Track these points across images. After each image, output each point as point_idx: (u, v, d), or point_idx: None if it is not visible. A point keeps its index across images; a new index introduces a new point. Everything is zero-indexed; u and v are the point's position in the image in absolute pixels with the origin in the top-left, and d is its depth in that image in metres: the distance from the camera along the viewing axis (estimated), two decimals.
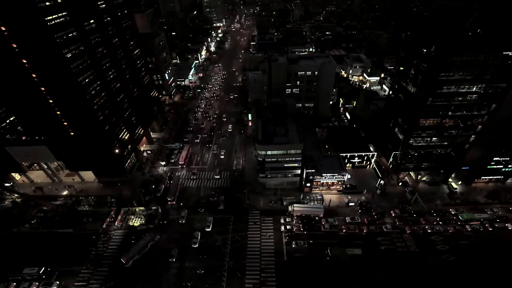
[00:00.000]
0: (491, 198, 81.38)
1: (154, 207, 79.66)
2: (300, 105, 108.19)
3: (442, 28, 65.66)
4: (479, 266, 63.92)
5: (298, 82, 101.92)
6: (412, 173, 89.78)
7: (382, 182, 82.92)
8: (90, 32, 73.86)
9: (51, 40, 60.45)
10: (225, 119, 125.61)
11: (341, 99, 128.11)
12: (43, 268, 63.80)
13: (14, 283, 61.85)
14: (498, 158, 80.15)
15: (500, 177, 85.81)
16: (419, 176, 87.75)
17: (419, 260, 65.39)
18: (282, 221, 75.44)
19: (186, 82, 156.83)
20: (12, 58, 62.36)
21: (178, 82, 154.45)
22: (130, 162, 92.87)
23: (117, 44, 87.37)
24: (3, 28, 58.31)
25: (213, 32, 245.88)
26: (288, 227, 73.73)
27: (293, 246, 68.97)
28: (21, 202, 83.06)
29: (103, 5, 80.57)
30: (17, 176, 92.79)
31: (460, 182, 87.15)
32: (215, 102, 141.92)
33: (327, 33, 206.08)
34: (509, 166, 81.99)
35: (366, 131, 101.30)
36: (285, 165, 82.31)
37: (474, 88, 68.34)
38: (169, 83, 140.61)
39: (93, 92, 73.55)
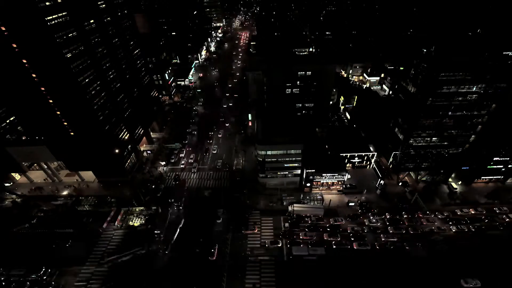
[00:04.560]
0: (491, 198, 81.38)
1: (154, 207, 79.69)
2: (300, 105, 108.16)
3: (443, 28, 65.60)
4: None
5: (298, 82, 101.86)
6: (412, 173, 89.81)
7: (382, 182, 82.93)
8: (90, 32, 73.80)
9: (51, 40, 60.37)
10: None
11: (341, 99, 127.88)
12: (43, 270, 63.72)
13: None
14: (498, 158, 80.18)
15: (500, 177, 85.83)
16: (419, 176, 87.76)
17: None
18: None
19: (186, 82, 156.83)
20: (12, 58, 62.30)
21: (178, 82, 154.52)
22: (130, 162, 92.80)
23: (117, 44, 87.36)
24: (3, 28, 58.24)
25: (213, 32, 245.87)
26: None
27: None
28: (21, 202, 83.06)
29: (103, 5, 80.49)
30: (17, 176, 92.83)
31: (460, 182, 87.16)
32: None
33: (327, 33, 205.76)
34: (509, 166, 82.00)
35: (366, 131, 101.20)
36: (285, 165, 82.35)
37: (474, 88, 68.37)
38: (169, 83, 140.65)
39: (93, 92, 73.50)
